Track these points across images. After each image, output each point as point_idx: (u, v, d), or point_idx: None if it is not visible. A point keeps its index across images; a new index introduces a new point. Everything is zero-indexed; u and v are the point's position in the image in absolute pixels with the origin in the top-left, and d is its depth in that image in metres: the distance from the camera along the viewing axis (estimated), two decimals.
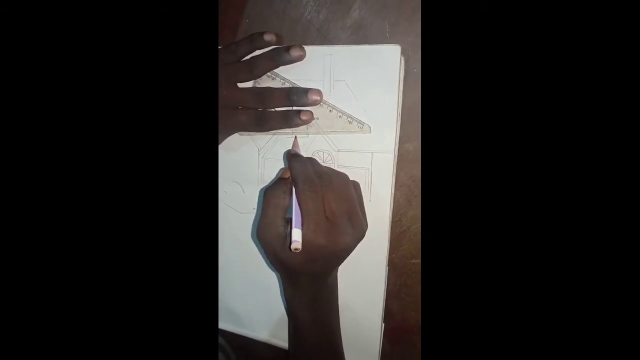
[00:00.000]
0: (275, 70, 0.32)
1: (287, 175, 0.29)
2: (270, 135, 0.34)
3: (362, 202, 0.30)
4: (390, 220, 0.32)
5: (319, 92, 0.31)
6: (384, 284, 0.33)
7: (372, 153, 0.31)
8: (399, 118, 0.30)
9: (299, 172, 0.28)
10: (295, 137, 0.33)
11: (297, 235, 0.26)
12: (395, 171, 0.31)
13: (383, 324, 0.35)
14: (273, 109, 0.32)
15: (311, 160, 0.30)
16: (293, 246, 0.25)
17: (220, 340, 0.43)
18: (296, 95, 0.31)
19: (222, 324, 0.42)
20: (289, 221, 0.28)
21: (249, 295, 0.39)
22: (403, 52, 0.29)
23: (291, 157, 0.30)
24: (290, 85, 0.32)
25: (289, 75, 0.32)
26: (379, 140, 0.31)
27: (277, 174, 0.34)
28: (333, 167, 0.32)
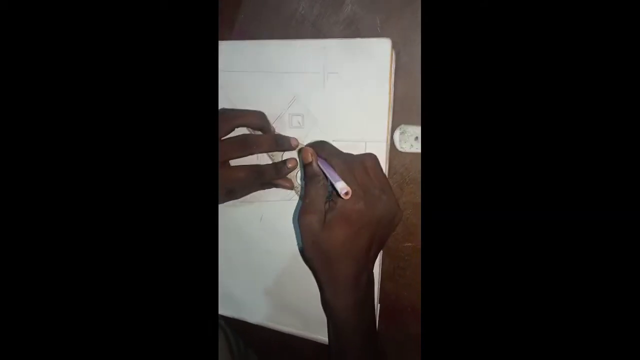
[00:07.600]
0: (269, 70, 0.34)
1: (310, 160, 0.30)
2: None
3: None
4: None
5: (296, 139, 0.34)
6: (378, 266, 0.35)
7: (366, 142, 0.33)
8: (391, 108, 0.32)
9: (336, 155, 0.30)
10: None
11: (342, 184, 0.26)
12: (388, 159, 0.33)
13: (379, 305, 0.36)
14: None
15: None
16: (344, 192, 0.25)
17: (221, 323, 0.44)
18: (282, 141, 0.34)
19: (223, 310, 0.43)
20: (327, 202, 0.29)
21: (248, 281, 0.41)
22: (394, 45, 0.30)
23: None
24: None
25: (284, 68, 0.33)
26: (372, 129, 0.32)
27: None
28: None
